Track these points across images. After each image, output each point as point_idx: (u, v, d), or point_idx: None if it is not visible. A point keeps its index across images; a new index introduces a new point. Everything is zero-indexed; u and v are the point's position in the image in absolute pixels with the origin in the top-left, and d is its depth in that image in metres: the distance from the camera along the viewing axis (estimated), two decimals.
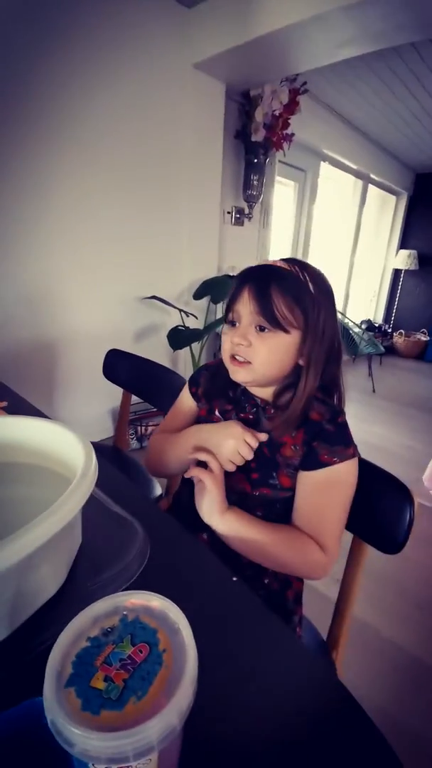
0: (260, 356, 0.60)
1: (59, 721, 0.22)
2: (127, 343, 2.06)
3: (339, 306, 3.64)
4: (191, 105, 1.95)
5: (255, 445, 0.61)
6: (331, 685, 0.36)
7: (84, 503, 0.39)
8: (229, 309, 0.63)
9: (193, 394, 0.76)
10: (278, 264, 0.60)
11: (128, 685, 0.24)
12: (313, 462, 0.59)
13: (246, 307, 0.59)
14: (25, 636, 0.36)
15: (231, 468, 0.61)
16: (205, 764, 0.30)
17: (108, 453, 1.27)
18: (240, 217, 2.49)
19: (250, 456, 0.61)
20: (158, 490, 1.11)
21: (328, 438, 0.59)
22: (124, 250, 1.90)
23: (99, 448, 1.24)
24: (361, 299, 4.81)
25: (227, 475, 0.64)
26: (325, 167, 3.32)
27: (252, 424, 0.66)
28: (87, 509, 0.51)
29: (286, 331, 0.58)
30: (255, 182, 2.39)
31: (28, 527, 0.33)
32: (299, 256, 3.39)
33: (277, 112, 2.17)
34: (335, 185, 3.65)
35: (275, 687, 0.36)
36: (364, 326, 3.93)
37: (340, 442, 0.59)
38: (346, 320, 3.71)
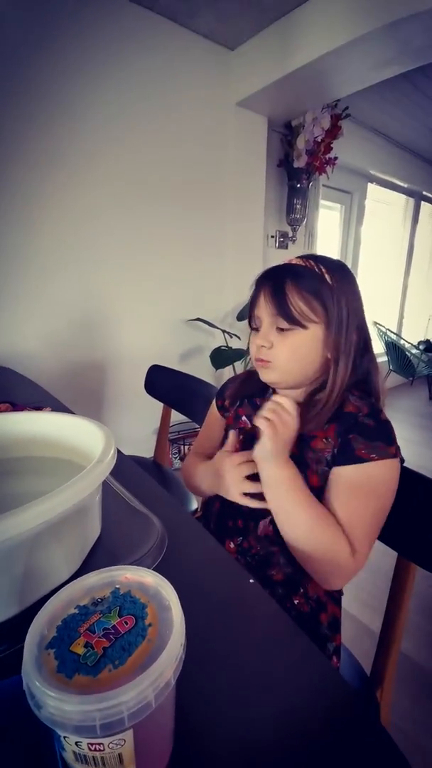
0: (282, 356, 0.59)
1: (31, 681, 0.21)
2: (172, 363, 2.12)
3: (393, 326, 3.49)
4: (235, 140, 2.06)
5: (248, 458, 0.60)
6: (369, 726, 0.30)
7: (98, 486, 0.40)
8: (251, 316, 0.63)
9: (220, 407, 0.76)
10: (293, 261, 0.60)
11: (107, 653, 0.23)
12: (348, 456, 0.55)
13: (265, 310, 0.59)
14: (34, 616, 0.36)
15: (249, 502, 0.59)
16: None
17: (148, 466, 1.28)
18: (284, 240, 2.52)
19: (248, 469, 0.60)
20: (194, 504, 1.09)
21: (366, 432, 0.55)
22: (170, 274, 1.99)
23: (140, 461, 1.27)
24: (417, 320, 4.57)
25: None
26: (372, 188, 3.29)
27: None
28: (109, 504, 0.52)
29: (304, 326, 0.57)
30: (298, 206, 2.42)
31: (36, 501, 0.34)
32: None
33: (319, 138, 2.21)
34: (385, 206, 3.59)
35: (290, 704, 0.32)
36: (422, 347, 3.70)
37: (381, 438, 0.54)
38: (402, 341, 3.53)
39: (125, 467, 0.68)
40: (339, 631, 0.62)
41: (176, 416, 1.36)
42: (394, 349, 3.36)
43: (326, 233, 2.99)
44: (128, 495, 0.56)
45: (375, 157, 3.05)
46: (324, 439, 0.58)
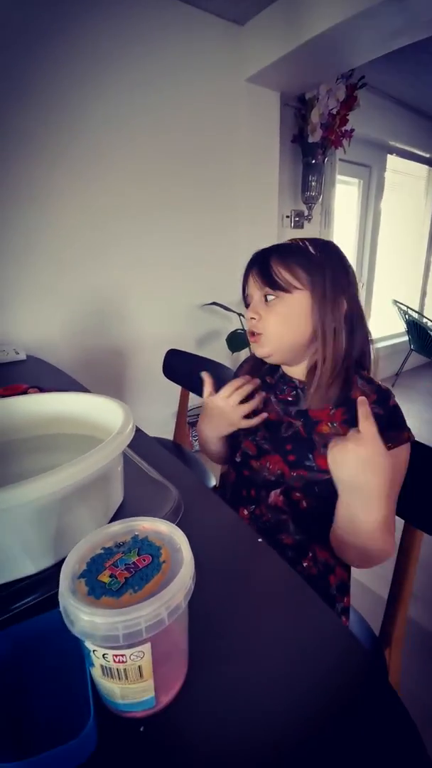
0: (270, 324, 0.61)
1: (66, 603, 0.25)
2: (190, 348, 2.15)
3: (414, 305, 3.38)
4: (246, 116, 2.02)
5: (233, 388, 0.64)
6: (376, 679, 0.32)
7: (118, 455, 0.44)
8: (244, 296, 0.66)
9: None
10: (282, 242, 0.62)
11: (128, 582, 0.27)
12: None
13: (253, 286, 0.62)
14: None
15: (249, 422, 0.64)
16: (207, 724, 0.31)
17: (168, 447, 1.34)
18: (299, 219, 2.48)
19: (243, 394, 0.64)
20: (213, 481, 1.14)
21: (377, 421, 0.55)
22: (184, 259, 2.01)
23: (160, 442, 1.32)
24: None
25: (263, 455, 0.65)
26: (392, 160, 3.16)
27: (290, 404, 0.66)
28: (131, 475, 0.57)
29: (287, 291, 0.59)
30: (314, 183, 2.37)
31: (64, 466, 0.38)
32: (366, 255, 3.26)
33: (334, 110, 2.15)
34: (406, 177, 3.45)
35: (297, 651, 0.35)
36: None
37: (393, 427, 0.56)
38: (425, 320, 3.44)
39: (146, 444, 0.72)
40: (348, 593, 0.65)
41: (196, 400, 1.40)
42: (415, 328, 3.27)
43: (343, 210, 2.92)
44: (147, 467, 0.61)
45: (394, 126, 2.93)
46: (329, 424, 0.60)
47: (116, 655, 0.25)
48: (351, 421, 0.58)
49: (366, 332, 0.63)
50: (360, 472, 0.49)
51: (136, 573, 0.27)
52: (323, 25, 1.58)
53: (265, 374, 0.72)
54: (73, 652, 0.32)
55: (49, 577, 0.41)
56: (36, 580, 0.40)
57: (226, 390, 0.66)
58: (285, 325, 0.60)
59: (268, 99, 2.08)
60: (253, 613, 0.38)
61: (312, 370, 0.63)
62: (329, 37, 1.64)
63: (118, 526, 0.32)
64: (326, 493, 0.60)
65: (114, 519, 0.49)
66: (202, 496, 0.59)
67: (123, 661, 0.25)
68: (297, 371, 0.66)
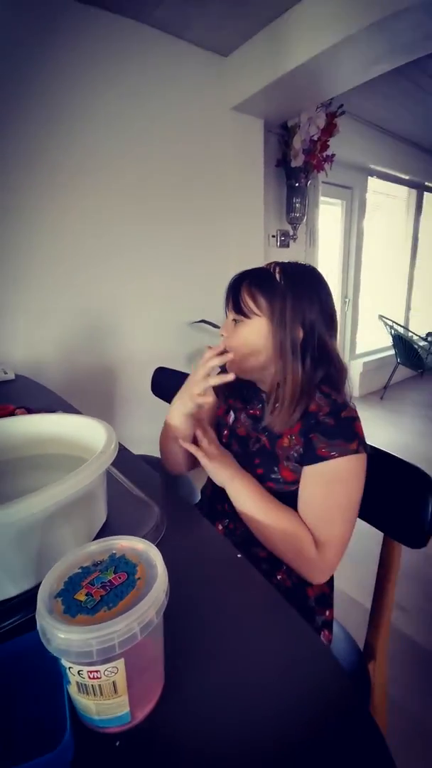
0: (234, 343, 0.66)
1: (42, 621, 0.27)
2: (179, 365, 2.17)
3: (400, 319, 3.46)
4: (231, 143, 2.10)
5: (214, 352, 0.66)
6: (356, 705, 0.32)
7: (101, 475, 0.45)
8: (225, 314, 0.70)
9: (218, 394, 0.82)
10: (262, 266, 0.66)
11: (103, 599, 0.28)
12: (311, 456, 0.59)
13: (228, 306, 0.67)
14: None
15: (211, 381, 0.66)
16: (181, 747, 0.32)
17: (156, 465, 1.34)
18: (285, 239, 2.55)
19: (214, 361, 0.65)
20: (199, 497, 1.14)
21: (326, 431, 0.59)
22: (173, 278, 2.05)
23: (148, 460, 1.32)
24: (424, 311, 4.53)
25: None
26: (374, 182, 3.29)
27: (258, 419, 0.69)
28: (114, 494, 0.58)
29: (248, 316, 0.63)
30: (298, 205, 2.45)
31: (48, 487, 0.39)
32: (351, 272, 3.35)
33: (315, 137, 2.24)
34: (387, 198, 3.58)
35: (273, 670, 0.35)
36: (430, 339, 3.68)
37: (340, 436, 0.58)
38: (410, 334, 3.52)
39: (131, 462, 0.73)
40: (329, 606, 0.66)
41: None
42: (401, 342, 3.35)
43: (328, 229, 3.01)
44: (131, 485, 0.62)
45: (374, 150, 3.06)
46: (289, 437, 0.63)
47: (91, 671, 0.26)
48: (304, 432, 0.61)
49: (331, 357, 0.65)
50: (213, 476, 0.66)
51: (112, 590, 0.29)
52: (304, 55, 1.67)
53: (241, 388, 0.75)
54: (53, 671, 0.33)
55: (31, 598, 0.41)
56: (17, 602, 0.41)
57: (199, 369, 0.68)
58: (245, 346, 0.65)
59: (253, 126, 2.17)
60: (230, 629, 0.39)
61: (275, 388, 0.65)
62: (310, 67, 1.72)
63: (95, 546, 0.33)
64: (295, 505, 0.62)
65: (97, 537, 0.50)
66: (184, 513, 0.60)
67: (97, 677, 0.26)
68: (265, 388, 0.70)
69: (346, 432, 0.58)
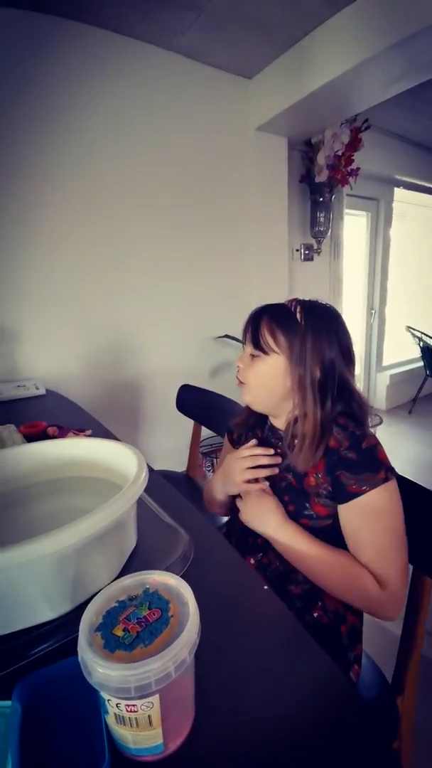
0: (249, 378, 0.67)
1: (85, 655, 0.29)
2: (203, 379, 2.20)
3: (430, 330, 3.36)
4: (255, 162, 2.14)
5: (252, 453, 0.67)
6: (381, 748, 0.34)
7: (132, 504, 0.47)
8: (243, 343, 0.72)
9: (231, 441, 0.84)
10: (283, 302, 0.67)
11: (140, 636, 0.30)
12: (343, 494, 0.59)
13: (246, 338, 0.68)
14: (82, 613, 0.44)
15: (249, 487, 0.68)
16: None
17: (180, 480, 1.36)
18: (309, 252, 2.56)
19: (251, 461, 0.67)
20: (224, 519, 1.15)
21: (351, 467, 0.59)
22: (197, 294, 2.09)
23: (171, 475, 1.35)
24: None
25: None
26: (400, 192, 3.26)
27: (282, 458, 0.70)
28: (143, 518, 0.60)
29: (266, 353, 0.64)
30: (322, 219, 2.46)
31: (82, 518, 0.42)
32: (377, 283, 3.30)
33: (339, 152, 2.25)
34: (414, 207, 3.53)
35: (298, 706, 0.36)
36: None
37: (366, 469, 0.58)
38: None
39: (158, 484, 0.75)
40: (360, 640, 0.65)
41: (207, 431, 1.44)
42: (430, 353, 3.27)
43: (353, 240, 3.00)
44: (160, 510, 0.64)
45: (400, 161, 3.04)
46: (315, 475, 0.63)
47: (128, 705, 0.28)
48: (329, 470, 0.61)
49: (351, 393, 0.65)
50: (252, 525, 0.66)
51: (147, 627, 0.30)
52: (327, 76, 1.69)
53: (255, 426, 0.77)
54: (91, 697, 0.35)
55: (68, 622, 0.44)
56: (55, 626, 0.43)
57: (243, 451, 0.70)
58: (260, 381, 0.67)
59: (276, 144, 2.20)
60: (256, 664, 0.40)
61: (292, 424, 0.66)
62: (333, 87, 1.74)
63: (130, 580, 0.35)
64: (330, 540, 0.62)
65: (127, 564, 0.52)
66: (211, 540, 0.61)
67: (134, 711, 0.28)
68: (280, 423, 0.71)
69: (371, 464, 0.58)
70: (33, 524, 0.57)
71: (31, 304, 1.64)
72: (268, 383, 0.66)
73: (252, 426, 0.76)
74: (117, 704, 0.28)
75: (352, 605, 0.61)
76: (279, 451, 0.70)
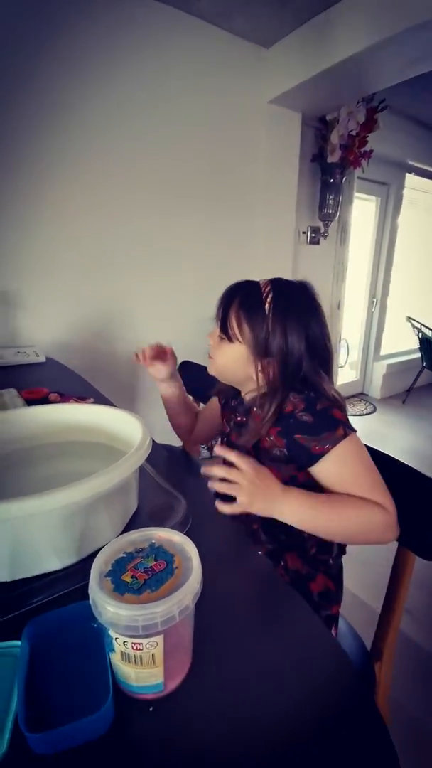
0: (216, 356, 0.71)
1: (96, 596, 0.31)
2: (203, 358, 2.20)
3: (430, 322, 3.37)
4: (267, 136, 2.09)
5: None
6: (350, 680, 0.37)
7: (137, 467, 0.49)
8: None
9: (220, 402, 0.89)
10: (260, 281, 0.67)
11: (147, 582, 0.32)
12: (309, 456, 0.59)
13: (216, 317, 0.70)
14: (89, 565, 0.47)
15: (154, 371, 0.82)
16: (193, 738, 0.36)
17: (177, 454, 1.38)
18: (315, 236, 2.53)
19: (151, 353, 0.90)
20: None
21: (308, 429, 0.59)
22: (200, 271, 2.07)
23: (169, 449, 1.37)
24: None
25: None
26: (411, 178, 3.20)
27: (242, 426, 0.73)
28: (143, 485, 0.62)
29: (231, 340, 0.66)
30: (331, 201, 2.42)
31: (91, 477, 0.43)
32: (381, 271, 3.28)
33: (353, 132, 2.20)
34: (425, 195, 3.47)
35: (284, 655, 0.39)
36: None
37: (325, 429, 0.58)
38: None
39: (158, 455, 0.77)
40: (335, 602, 0.69)
41: None
42: (428, 344, 3.28)
43: (360, 225, 2.96)
44: (160, 478, 0.66)
45: (413, 146, 2.97)
46: (267, 438, 0.65)
47: (134, 643, 0.30)
48: (284, 432, 0.63)
49: (316, 388, 0.64)
50: (256, 507, 0.55)
51: (153, 576, 0.32)
52: (347, 51, 1.64)
53: (231, 396, 0.80)
54: (91, 641, 0.37)
55: (72, 573, 0.46)
56: (61, 576, 0.45)
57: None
58: (224, 361, 0.70)
59: (289, 120, 2.14)
60: (247, 618, 0.43)
61: (257, 401, 0.67)
62: (352, 63, 1.69)
63: (136, 535, 0.37)
64: None
65: (129, 525, 0.54)
66: (207, 508, 0.64)
67: (140, 649, 0.30)
68: (248, 397, 0.73)
69: (328, 423, 0.59)
70: (35, 486, 0.59)
71: (34, 272, 1.62)
72: (230, 365, 0.69)
73: (232, 393, 0.79)
74: (124, 642, 0.30)
75: (364, 540, 0.59)
76: (243, 419, 0.73)
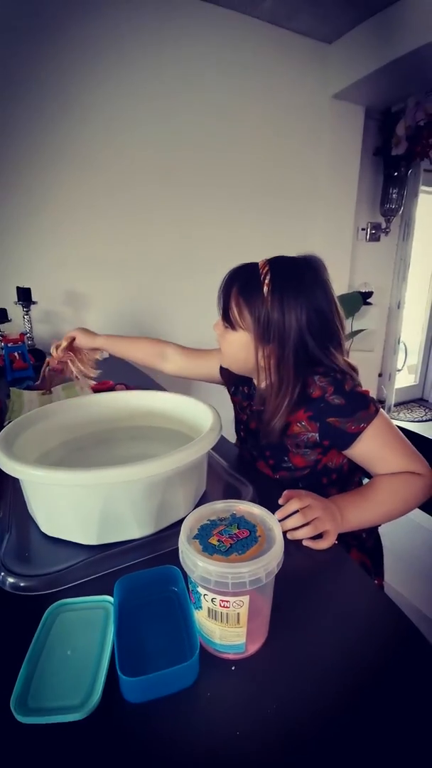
0: (223, 346, 0.69)
1: (188, 553, 0.33)
2: None
3: None
4: (329, 132, 2.06)
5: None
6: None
7: (209, 448, 0.51)
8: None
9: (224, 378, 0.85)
10: (259, 263, 0.63)
11: (233, 546, 0.34)
12: (346, 438, 0.60)
13: (218, 306, 0.67)
14: (164, 537, 0.50)
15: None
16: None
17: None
18: (375, 232, 2.44)
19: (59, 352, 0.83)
20: None
21: (343, 411, 0.60)
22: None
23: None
24: None
25: (254, 460, 0.72)
26: None
27: (256, 414, 0.71)
28: (211, 470, 0.64)
29: (234, 329, 0.64)
30: (394, 195, 2.32)
31: (170, 453, 0.46)
32: None
33: (422, 122, 2.10)
34: None
35: (346, 621, 0.40)
36: None
37: (358, 408, 0.60)
38: None
39: (222, 445, 0.80)
40: (379, 575, 0.70)
41: None
42: None
43: (424, 220, 2.80)
44: (225, 464, 0.68)
45: None
46: (297, 424, 0.64)
47: (222, 600, 0.32)
48: (316, 417, 0.62)
49: (324, 364, 0.63)
50: (341, 527, 0.54)
51: (238, 541, 0.34)
52: (416, 42, 1.58)
53: (242, 383, 0.78)
54: (172, 602, 0.40)
55: (150, 542, 0.49)
56: (140, 544, 0.49)
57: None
58: (232, 351, 0.68)
59: (353, 114, 2.10)
60: (318, 593, 0.44)
61: (268, 388, 0.65)
62: (420, 54, 1.62)
63: (219, 504, 0.40)
64: (311, 487, 0.61)
65: (198, 505, 0.57)
66: (272, 494, 0.65)
67: (227, 606, 0.32)
68: (263, 385, 0.69)
69: (360, 402, 0.60)
70: (114, 464, 0.63)
71: (94, 271, 1.72)
72: (238, 354, 0.66)
73: (241, 379, 0.77)
74: (212, 599, 0.33)
75: (409, 511, 0.61)
76: (260, 408, 0.70)
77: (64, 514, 0.48)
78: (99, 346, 0.90)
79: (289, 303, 0.59)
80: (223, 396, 0.95)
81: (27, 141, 1.48)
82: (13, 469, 0.44)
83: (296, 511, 0.51)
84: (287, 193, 2.06)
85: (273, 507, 0.59)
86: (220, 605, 0.33)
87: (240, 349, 0.65)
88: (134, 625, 0.38)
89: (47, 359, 0.89)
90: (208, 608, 0.33)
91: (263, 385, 0.67)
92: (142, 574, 0.41)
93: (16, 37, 1.39)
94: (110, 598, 0.40)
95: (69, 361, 0.86)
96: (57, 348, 0.86)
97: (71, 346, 0.87)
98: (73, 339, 0.87)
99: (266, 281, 0.60)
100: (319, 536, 0.51)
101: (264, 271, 0.61)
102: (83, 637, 0.37)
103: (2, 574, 0.44)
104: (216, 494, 0.61)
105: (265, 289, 0.60)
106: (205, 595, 0.33)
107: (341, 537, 0.63)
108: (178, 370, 0.94)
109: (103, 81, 1.56)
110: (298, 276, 0.61)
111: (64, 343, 0.86)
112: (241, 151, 1.89)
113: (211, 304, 2.12)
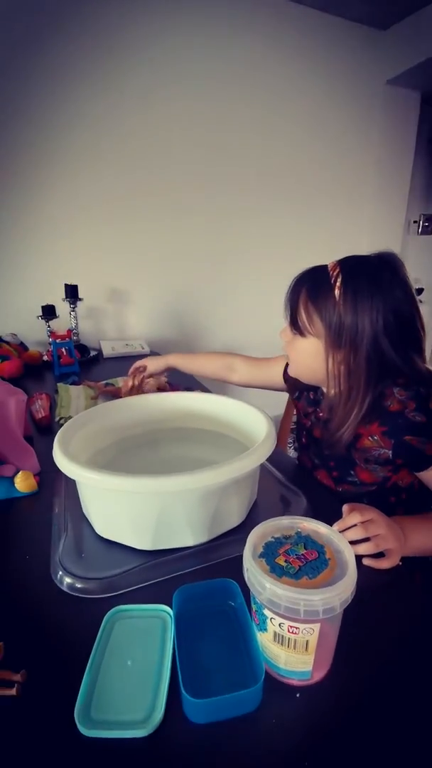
0: (291, 355, 0.65)
1: (255, 573, 0.32)
2: None
3: None
4: (381, 119, 1.95)
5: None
6: None
7: (267, 456, 0.49)
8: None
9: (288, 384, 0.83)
10: (329, 265, 0.60)
11: (302, 569, 0.32)
12: (422, 460, 0.57)
13: (285, 312, 0.64)
14: (217, 545, 0.49)
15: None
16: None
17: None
18: (428, 225, 2.30)
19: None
20: None
21: (423, 431, 0.56)
22: (296, 264, 2.01)
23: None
24: None
25: (315, 469, 0.70)
26: None
27: (322, 422, 0.68)
28: (264, 479, 0.62)
29: (303, 335, 0.60)
30: None
31: (227, 462, 0.45)
32: None
33: None
34: None
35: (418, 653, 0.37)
36: None
37: None
38: None
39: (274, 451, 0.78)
40: None
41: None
42: None
43: None
44: (278, 473, 0.66)
45: None
46: (369, 438, 0.59)
47: (291, 626, 0.30)
48: (391, 433, 0.57)
49: (400, 369, 0.58)
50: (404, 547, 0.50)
51: (307, 563, 0.32)
52: None
53: (307, 388, 0.74)
54: (230, 617, 0.38)
55: (203, 551, 0.48)
56: (192, 552, 0.48)
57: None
58: (301, 359, 0.64)
59: (408, 100, 1.98)
60: (379, 621, 0.41)
61: (337, 396, 0.62)
62: None
63: (283, 521, 0.38)
64: (377, 505, 0.55)
65: (250, 514, 0.55)
66: (326, 507, 0.62)
67: (296, 633, 0.31)
68: (332, 392, 0.65)
69: None
70: (162, 466, 0.63)
71: (139, 271, 1.74)
72: (307, 362, 0.63)
73: (305, 389, 0.75)
74: (280, 624, 0.31)
75: None
76: (326, 416, 0.66)
77: (119, 518, 0.48)
78: (171, 365, 0.95)
79: (363, 305, 0.55)
80: (262, 396, 0.94)
81: (77, 143, 1.50)
82: (72, 471, 0.45)
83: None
84: (334, 183, 1.97)
85: (328, 522, 0.57)
86: (289, 631, 0.31)
87: (309, 356, 0.61)
88: (192, 639, 0.37)
89: (121, 386, 0.98)
90: (275, 632, 0.32)
91: (332, 392, 0.64)
92: (199, 585, 0.40)
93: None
94: (166, 608, 0.40)
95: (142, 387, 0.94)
96: (133, 377, 0.93)
97: (142, 376, 0.94)
98: (144, 368, 0.94)
99: (337, 283, 0.56)
100: (380, 555, 0.48)
101: (335, 273, 0.58)
102: (142, 646, 0.36)
103: (60, 573, 0.44)
104: (265, 503, 0.59)
105: (337, 292, 0.56)
106: (272, 618, 0.31)
107: (404, 560, 0.60)
108: (245, 380, 0.94)
109: (158, 72, 1.55)
110: (372, 275, 0.57)
111: (139, 377, 0.93)
112: (286, 143, 1.83)
113: (253, 303, 2.08)
